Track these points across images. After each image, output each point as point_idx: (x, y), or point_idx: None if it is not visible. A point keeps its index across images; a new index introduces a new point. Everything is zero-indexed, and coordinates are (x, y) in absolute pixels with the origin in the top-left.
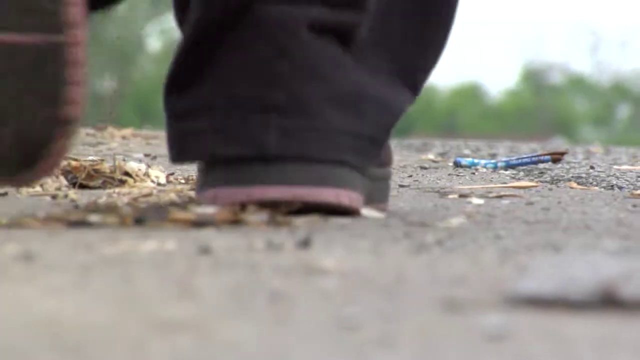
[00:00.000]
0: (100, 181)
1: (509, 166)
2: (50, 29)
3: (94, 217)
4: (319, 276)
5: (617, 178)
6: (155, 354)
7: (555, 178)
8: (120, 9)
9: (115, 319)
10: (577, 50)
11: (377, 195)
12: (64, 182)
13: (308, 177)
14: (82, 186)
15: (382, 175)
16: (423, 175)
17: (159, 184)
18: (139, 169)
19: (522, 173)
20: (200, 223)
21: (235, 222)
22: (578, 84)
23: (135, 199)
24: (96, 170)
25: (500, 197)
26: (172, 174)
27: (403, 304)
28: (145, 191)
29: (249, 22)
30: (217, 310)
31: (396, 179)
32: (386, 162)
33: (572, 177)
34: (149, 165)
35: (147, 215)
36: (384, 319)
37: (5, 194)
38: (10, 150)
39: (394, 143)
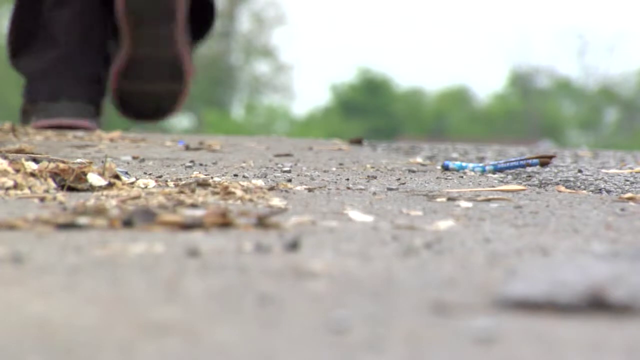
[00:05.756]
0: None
1: (497, 170)
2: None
3: (82, 220)
4: (308, 279)
5: (605, 182)
6: (143, 356)
7: (544, 182)
8: None
9: (104, 321)
10: (564, 54)
11: (101, 126)
12: (52, 184)
13: (76, 113)
14: (70, 189)
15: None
16: (411, 178)
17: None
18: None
19: (510, 177)
20: (188, 225)
21: (224, 224)
22: (565, 87)
23: (123, 202)
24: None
25: (489, 200)
26: (160, 177)
27: (392, 307)
28: (133, 194)
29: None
30: (206, 313)
31: (384, 182)
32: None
33: (560, 180)
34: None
35: (135, 218)
36: (372, 322)
37: None
38: None
39: (382, 146)
